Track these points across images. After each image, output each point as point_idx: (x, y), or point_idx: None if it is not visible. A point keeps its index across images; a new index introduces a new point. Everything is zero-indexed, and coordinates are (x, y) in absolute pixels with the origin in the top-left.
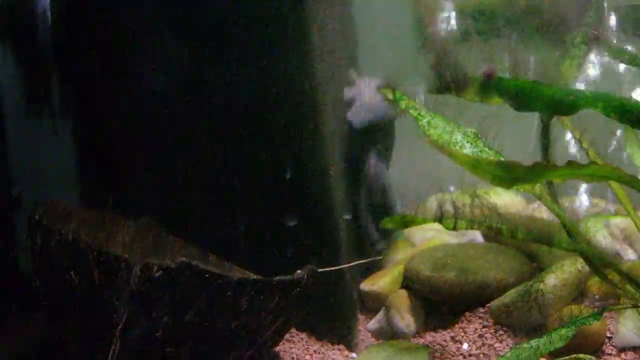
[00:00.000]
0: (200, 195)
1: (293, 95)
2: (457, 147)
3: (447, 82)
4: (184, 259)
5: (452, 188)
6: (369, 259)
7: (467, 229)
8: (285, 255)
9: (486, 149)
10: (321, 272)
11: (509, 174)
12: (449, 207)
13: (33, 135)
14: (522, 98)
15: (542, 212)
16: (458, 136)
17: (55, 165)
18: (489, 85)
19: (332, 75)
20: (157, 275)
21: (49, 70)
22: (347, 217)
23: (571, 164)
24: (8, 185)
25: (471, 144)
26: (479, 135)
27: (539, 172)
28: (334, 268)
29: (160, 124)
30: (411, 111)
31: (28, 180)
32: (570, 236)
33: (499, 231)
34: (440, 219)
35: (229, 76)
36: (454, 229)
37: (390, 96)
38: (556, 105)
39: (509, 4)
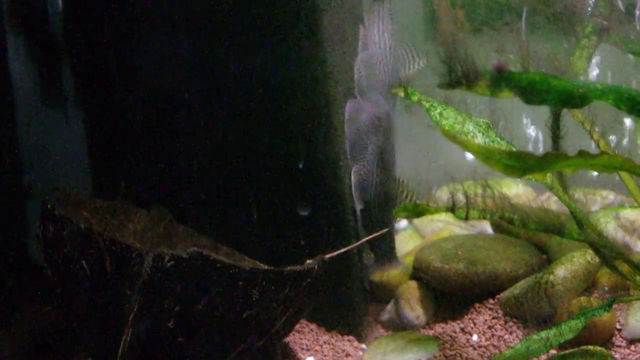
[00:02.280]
0: (213, 185)
1: (306, 84)
2: (470, 137)
3: (458, 77)
4: (195, 248)
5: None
6: (374, 234)
7: (479, 219)
8: (297, 244)
9: (498, 139)
10: (330, 261)
11: (520, 164)
12: (460, 197)
13: (44, 125)
14: (532, 91)
15: (550, 203)
16: (470, 126)
17: (66, 155)
18: (500, 79)
19: (344, 65)
20: (168, 265)
21: (61, 60)
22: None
23: (582, 154)
24: (20, 174)
25: (483, 134)
26: (491, 126)
27: (551, 162)
28: (341, 250)
29: (173, 114)
30: (423, 103)
31: (39, 169)
32: (580, 227)
33: (511, 221)
34: (452, 208)
35: (243, 65)
36: (466, 218)
37: (402, 94)
38: (567, 98)
39: None
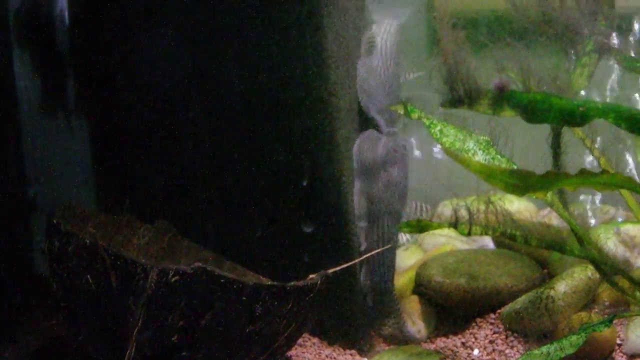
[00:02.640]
0: (217, 200)
1: (310, 101)
2: (470, 155)
3: (460, 96)
4: (199, 264)
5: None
6: (376, 251)
7: (481, 234)
8: (300, 260)
9: (498, 156)
10: (333, 276)
11: (522, 182)
12: (463, 213)
13: (49, 136)
14: (534, 111)
15: (551, 218)
16: (470, 143)
17: (70, 167)
18: (501, 98)
19: (347, 82)
20: (173, 280)
21: (66, 73)
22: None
23: (583, 172)
24: (24, 187)
25: (483, 151)
26: (491, 143)
27: (552, 181)
28: (344, 265)
29: (178, 129)
30: (424, 120)
31: (44, 181)
32: (581, 243)
33: (513, 237)
34: (455, 224)
35: (249, 82)
36: (469, 234)
37: (402, 111)
38: (568, 117)
39: (521, 14)
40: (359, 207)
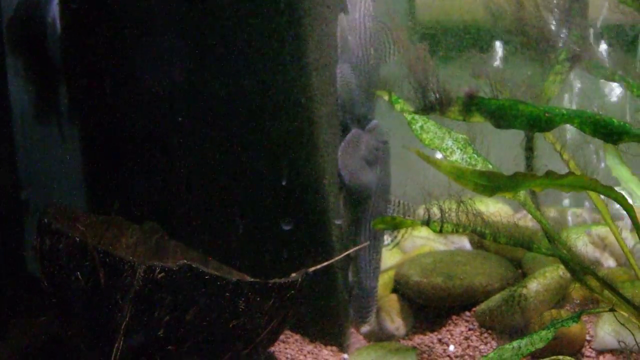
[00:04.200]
0: (202, 201)
1: (290, 106)
2: (448, 153)
3: (432, 103)
4: (185, 261)
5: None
6: (353, 249)
7: (452, 232)
8: (281, 258)
9: (475, 155)
10: (314, 274)
11: (490, 183)
12: (435, 211)
13: (41, 141)
14: (501, 116)
15: (527, 221)
16: (449, 142)
17: (62, 171)
18: (471, 105)
19: (327, 88)
20: (159, 277)
21: (58, 80)
22: (338, 222)
23: (549, 174)
24: (17, 189)
25: (461, 150)
26: (469, 142)
27: (519, 181)
28: (325, 263)
29: (164, 134)
30: (405, 115)
31: (36, 185)
32: (552, 242)
33: (483, 235)
34: (427, 222)
35: (231, 88)
36: (441, 231)
37: (386, 97)
38: (534, 122)
39: (494, 21)
40: (343, 207)
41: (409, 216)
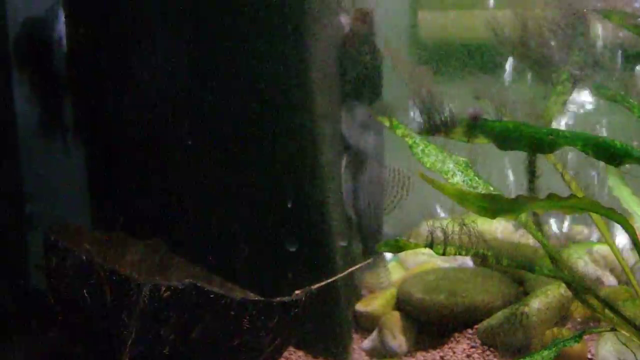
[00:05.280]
0: (207, 220)
1: (295, 128)
2: (449, 176)
3: (437, 125)
4: (190, 280)
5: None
6: (357, 266)
7: (455, 254)
8: (285, 277)
9: (476, 177)
10: (318, 292)
11: (493, 206)
12: (439, 234)
13: (45, 156)
14: (505, 139)
15: (528, 238)
16: (450, 165)
17: (66, 186)
18: (475, 127)
19: (331, 111)
20: (165, 295)
21: (63, 95)
22: (343, 243)
23: (551, 196)
24: (21, 202)
25: (462, 172)
26: (470, 165)
27: (521, 204)
28: (328, 280)
29: (169, 150)
30: (407, 139)
31: (40, 199)
32: (553, 262)
33: (485, 257)
34: (431, 244)
35: (236, 110)
36: (444, 254)
37: (387, 123)
38: (537, 144)
39: (498, 43)
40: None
41: (404, 184)
